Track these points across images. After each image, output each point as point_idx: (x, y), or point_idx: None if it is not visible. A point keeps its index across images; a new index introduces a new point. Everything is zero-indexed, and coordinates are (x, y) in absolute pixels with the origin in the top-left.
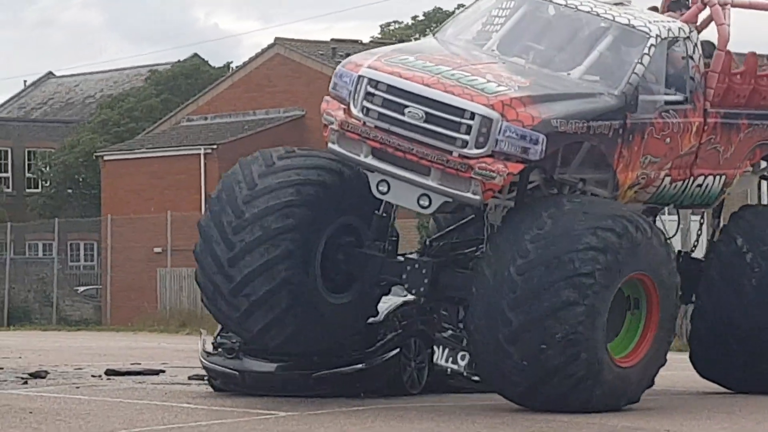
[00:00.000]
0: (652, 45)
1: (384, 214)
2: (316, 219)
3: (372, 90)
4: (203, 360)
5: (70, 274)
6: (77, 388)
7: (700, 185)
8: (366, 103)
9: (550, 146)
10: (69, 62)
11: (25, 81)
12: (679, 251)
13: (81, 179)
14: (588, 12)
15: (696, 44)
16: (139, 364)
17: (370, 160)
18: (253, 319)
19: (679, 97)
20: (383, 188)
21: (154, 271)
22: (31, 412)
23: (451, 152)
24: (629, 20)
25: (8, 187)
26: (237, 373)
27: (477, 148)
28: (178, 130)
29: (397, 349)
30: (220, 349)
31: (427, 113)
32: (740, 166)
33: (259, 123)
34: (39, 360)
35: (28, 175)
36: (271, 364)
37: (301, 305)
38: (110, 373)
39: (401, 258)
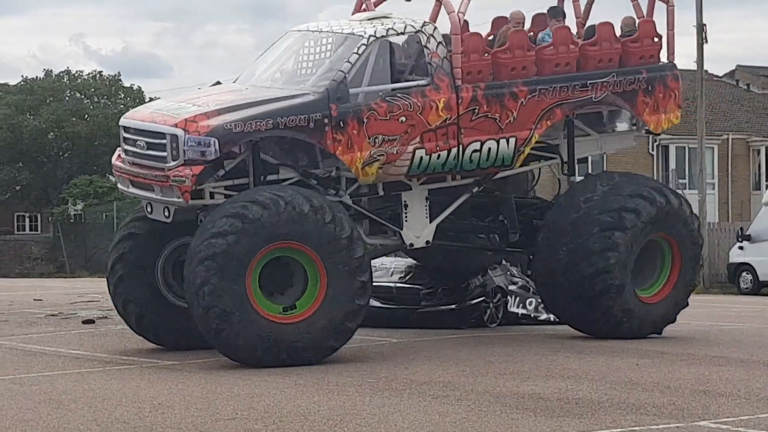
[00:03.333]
0: (362, 45)
1: None
2: (149, 246)
3: (124, 134)
4: None
5: None
6: None
7: (477, 150)
8: (124, 145)
9: (226, 146)
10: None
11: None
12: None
13: None
14: (329, 32)
15: (432, 35)
16: None
17: (132, 189)
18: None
19: (421, 81)
20: (149, 209)
21: None
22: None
23: (163, 169)
24: (353, 29)
25: None
26: None
27: (174, 161)
28: None
29: (482, 298)
30: None
31: (147, 143)
32: (537, 128)
33: None
34: None
35: None
36: (385, 303)
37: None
38: None
39: None
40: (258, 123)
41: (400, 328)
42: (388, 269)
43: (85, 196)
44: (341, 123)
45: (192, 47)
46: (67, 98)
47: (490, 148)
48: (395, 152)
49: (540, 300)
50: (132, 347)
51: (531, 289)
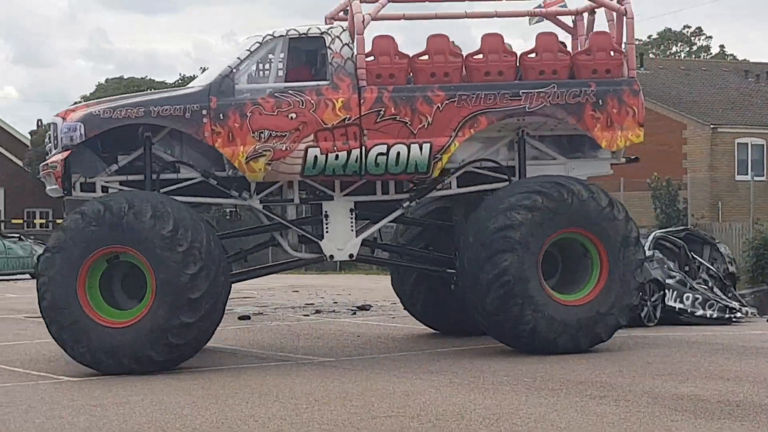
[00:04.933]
0: (257, 42)
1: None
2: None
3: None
4: None
5: (386, 231)
6: (393, 318)
7: (383, 154)
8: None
9: (92, 130)
10: None
11: None
12: None
13: None
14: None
15: (338, 36)
16: None
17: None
18: None
19: (323, 82)
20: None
21: None
22: (359, 336)
23: (46, 158)
24: (274, 33)
25: None
26: None
27: (56, 149)
28: None
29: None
30: None
31: (48, 136)
32: (457, 135)
33: None
34: (364, 296)
35: None
36: None
37: None
38: None
39: None
40: (128, 111)
41: None
42: None
43: None
44: (221, 115)
45: None
46: None
47: (399, 153)
48: (284, 149)
49: (697, 295)
50: (288, 343)
51: (688, 284)
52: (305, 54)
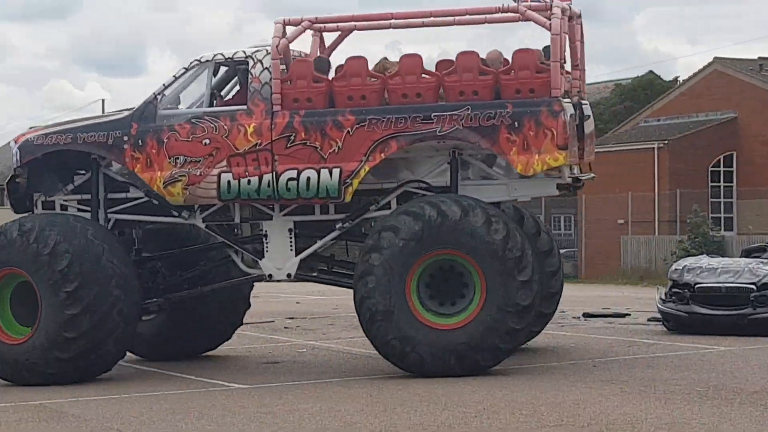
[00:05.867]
0: (182, 69)
1: None
2: None
3: None
4: (659, 306)
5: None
6: (562, 326)
7: (294, 179)
8: None
9: (26, 156)
10: None
11: None
12: None
13: None
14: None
15: (260, 60)
16: (609, 308)
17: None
18: None
19: (241, 107)
20: None
21: (618, 237)
22: (527, 345)
23: None
24: (201, 58)
25: None
26: (686, 315)
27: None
28: (638, 130)
29: None
30: (673, 297)
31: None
32: (368, 159)
33: (701, 123)
34: None
35: None
36: (715, 309)
37: None
38: (586, 315)
39: None
40: (58, 137)
41: (728, 335)
42: (715, 269)
43: None
44: (140, 141)
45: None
46: None
47: (309, 178)
48: (198, 174)
49: None
50: None
51: None
52: (232, 79)
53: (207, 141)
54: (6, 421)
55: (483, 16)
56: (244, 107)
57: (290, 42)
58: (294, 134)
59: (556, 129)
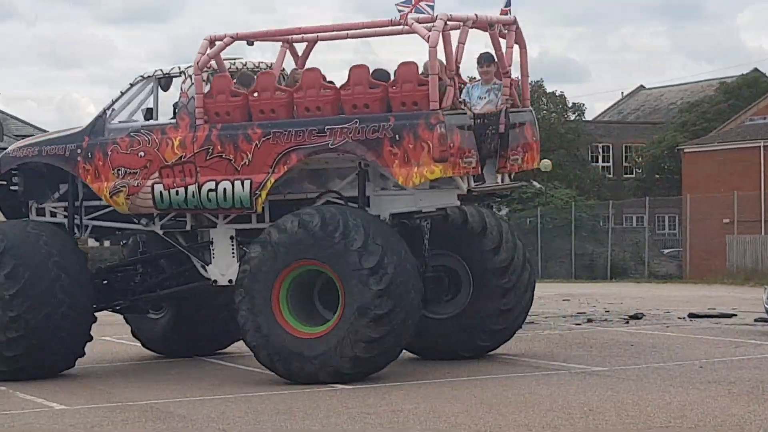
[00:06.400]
0: (129, 84)
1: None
2: None
3: None
4: (767, 306)
5: (657, 240)
6: (667, 327)
7: (212, 190)
8: None
9: (4, 166)
10: (654, 77)
11: (622, 92)
12: None
13: (665, 167)
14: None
15: (189, 77)
16: (714, 309)
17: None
18: None
19: (168, 120)
20: None
21: (723, 237)
22: (632, 345)
23: None
24: (144, 73)
25: (609, 173)
26: None
27: None
28: (743, 128)
29: None
30: None
31: None
32: (273, 171)
33: None
34: (636, 305)
35: (624, 164)
36: None
37: None
38: (692, 315)
39: None
40: (27, 150)
41: None
42: None
43: (510, 202)
44: (89, 154)
45: (607, 51)
46: None
47: (225, 189)
48: (136, 185)
49: None
50: (560, 352)
51: None
52: (170, 93)
53: (142, 153)
54: (112, 420)
55: (374, 29)
56: (174, 121)
57: (212, 58)
58: (212, 147)
59: (431, 142)
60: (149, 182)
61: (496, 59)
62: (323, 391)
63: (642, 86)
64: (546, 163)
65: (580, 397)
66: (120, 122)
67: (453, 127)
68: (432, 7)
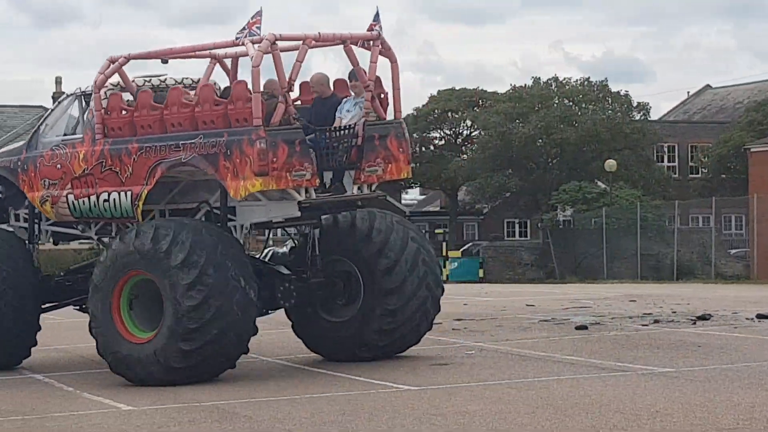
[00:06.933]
0: (58, 101)
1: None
2: None
3: None
4: None
5: (724, 240)
6: (735, 328)
7: (107, 200)
8: None
9: None
10: (720, 76)
11: (687, 92)
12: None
13: (731, 167)
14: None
15: (142, 88)
16: None
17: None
18: None
19: (78, 136)
20: None
21: None
22: (699, 346)
23: None
24: (69, 92)
25: (675, 173)
26: None
27: None
28: None
29: None
30: None
31: None
32: (147, 183)
33: None
34: (703, 306)
35: (690, 164)
36: None
37: None
38: (760, 316)
39: None
40: None
41: None
42: None
43: (574, 202)
44: (25, 166)
45: (672, 50)
46: (555, 105)
47: (114, 199)
48: (56, 195)
49: None
50: (626, 354)
51: None
52: (83, 109)
53: (59, 166)
54: (179, 421)
55: (215, 51)
56: (81, 137)
57: (108, 77)
58: (105, 161)
59: (252, 156)
60: (65, 192)
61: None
62: (389, 392)
63: (708, 85)
64: (611, 164)
65: (647, 399)
66: (47, 137)
67: (278, 142)
68: (259, 29)
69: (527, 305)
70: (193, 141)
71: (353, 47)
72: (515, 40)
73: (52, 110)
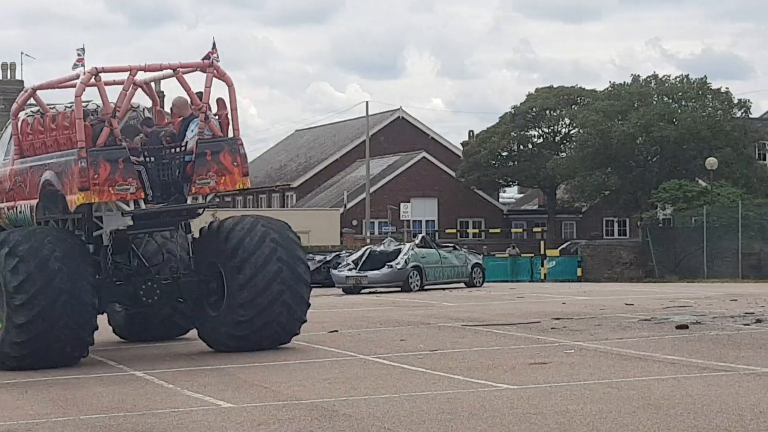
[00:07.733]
0: (8, 123)
1: None
2: None
3: None
4: None
5: None
6: None
7: (21, 211)
8: None
9: None
10: None
11: None
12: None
13: None
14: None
15: (30, 115)
16: None
17: None
18: None
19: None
20: None
21: None
22: None
23: None
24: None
25: None
26: None
27: None
28: None
29: None
30: None
31: None
32: (35, 197)
33: None
34: None
35: None
36: None
37: None
38: None
39: None
40: None
41: None
42: None
43: (674, 200)
44: None
45: None
46: (654, 102)
47: (21, 210)
48: (1, 207)
49: None
50: (728, 353)
51: None
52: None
53: (1, 181)
54: (279, 419)
55: (143, 76)
56: (10, 157)
57: (20, 106)
58: (18, 177)
59: (77, 175)
60: (2, 204)
61: (199, 99)
62: (488, 390)
63: None
64: (712, 161)
65: (750, 399)
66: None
67: (99, 161)
68: (84, 64)
69: (626, 304)
70: (52, 161)
71: (202, 73)
72: (612, 37)
73: (3, 132)
